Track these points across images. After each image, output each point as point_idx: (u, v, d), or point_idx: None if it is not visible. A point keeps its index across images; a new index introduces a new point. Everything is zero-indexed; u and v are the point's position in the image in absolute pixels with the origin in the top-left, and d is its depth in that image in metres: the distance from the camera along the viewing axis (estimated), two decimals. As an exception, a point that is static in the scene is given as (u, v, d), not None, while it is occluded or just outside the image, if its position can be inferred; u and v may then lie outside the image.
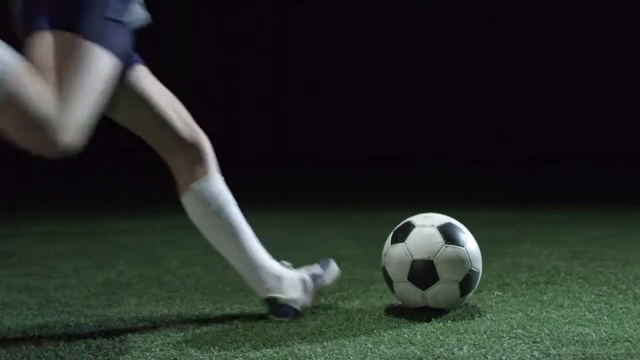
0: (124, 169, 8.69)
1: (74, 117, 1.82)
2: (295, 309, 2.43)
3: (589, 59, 8.64)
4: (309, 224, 5.05)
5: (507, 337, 2.11)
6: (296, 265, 2.64)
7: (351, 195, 6.92)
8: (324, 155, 10.56)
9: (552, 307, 2.46)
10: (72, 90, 1.84)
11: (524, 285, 2.84)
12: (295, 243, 4.25)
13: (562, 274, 3.02)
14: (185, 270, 3.40)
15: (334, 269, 2.61)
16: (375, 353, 2.02)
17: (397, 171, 9.60)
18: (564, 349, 1.98)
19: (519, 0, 9.16)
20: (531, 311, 2.40)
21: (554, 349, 1.99)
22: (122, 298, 2.84)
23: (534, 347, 2.01)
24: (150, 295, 2.87)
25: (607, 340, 2.04)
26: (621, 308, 2.41)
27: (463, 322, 2.30)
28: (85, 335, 2.29)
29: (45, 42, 1.90)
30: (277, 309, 2.42)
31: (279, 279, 2.46)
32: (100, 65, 1.90)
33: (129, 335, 2.28)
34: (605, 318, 2.28)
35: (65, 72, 1.84)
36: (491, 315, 2.38)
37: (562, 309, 2.42)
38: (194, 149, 2.35)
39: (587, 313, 2.36)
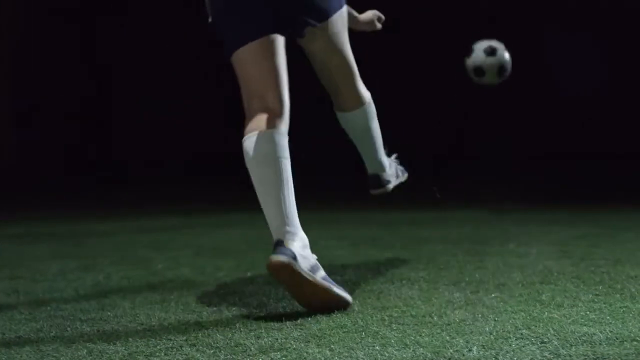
0: (99, 170, 8.58)
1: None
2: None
3: (584, 58, 8.78)
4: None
5: (514, 338, 2.12)
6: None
7: (329, 194, 6.91)
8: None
9: (552, 307, 2.48)
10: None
11: (520, 285, 2.86)
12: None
13: (555, 274, 3.04)
14: (174, 272, 3.37)
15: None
16: (385, 355, 2.01)
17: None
18: (573, 349, 2.00)
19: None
20: (532, 311, 2.42)
21: (562, 349, 2.00)
22: (115, 301, 2.79)
23: (542, 348, 2.02)
24: (143, 298, 2.83)
25: (614, 339, 2.06)
26: (621, 307, 2.44)
27: (467, 322, 2.31)
28: (85, 339, 2.26)
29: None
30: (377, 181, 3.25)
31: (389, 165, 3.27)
32: None
33: (130, 339, 2.24)
34: (608, 318, 2.30)
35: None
36: (493, 316, 2.38)
37: (563, 309, 2.44)
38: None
39: (588, 313, 2.38)
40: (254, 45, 2.42)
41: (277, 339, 2.20)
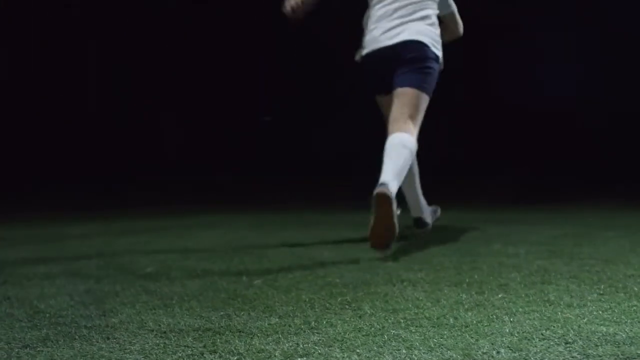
0: (64, 173, 8.39)
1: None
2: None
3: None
4: (272, 226, 4.98)
5: (537, 339, 2.12)
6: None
7: (307, 196, 6.88)
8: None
9: (562, 307, 2.49)
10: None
11: (522, 285, 2.87)
12: (266, 245, 4.17)
13: (552, 274, 3.07)
14: (166, 276, 3.29)
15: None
16: (414, 359, 1.98)
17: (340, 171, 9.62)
18: (600, 349, 2.00)
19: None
20: (545, 311, 2.43)
21: (589, 349, 2.01)
22: (115, 307, 2.71)
23: (569, 348, 2.02)
24: (143, 304, 2.76)
25: (637, 339, 2.08)
26: (630, 306, 2.47)
27: (483, 324, 2.30)
28: (98, 348, 2.18)
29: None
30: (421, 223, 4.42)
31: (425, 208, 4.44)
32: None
33: (146, 347, 2.17)
34: (623, 317, 2.32)
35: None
36: (507, 317, 2.38)
37: (574, 309, 2.46)
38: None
39: (601, 312, 2.39)
40: (388, 97, 4.00)
41: (297, 344, 2.16)
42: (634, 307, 2.44)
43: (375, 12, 3.79)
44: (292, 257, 3.74)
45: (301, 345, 2.14)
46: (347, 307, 2.62)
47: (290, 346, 2.14)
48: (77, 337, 2.32)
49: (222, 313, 2.58)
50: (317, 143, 10.00)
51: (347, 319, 2.44)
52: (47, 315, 2.61)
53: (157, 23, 10.45)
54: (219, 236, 4.58)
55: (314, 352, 2.08)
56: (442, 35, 3.87)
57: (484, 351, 2.02)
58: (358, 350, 2.07)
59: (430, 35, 3.75)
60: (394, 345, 2.11)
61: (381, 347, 2.10)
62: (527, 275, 3.04)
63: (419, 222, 4.44)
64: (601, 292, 2.70)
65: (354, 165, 9.06)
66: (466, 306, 2.54)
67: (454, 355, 2.00)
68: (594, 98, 9.04)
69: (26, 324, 2.50)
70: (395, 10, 3.74)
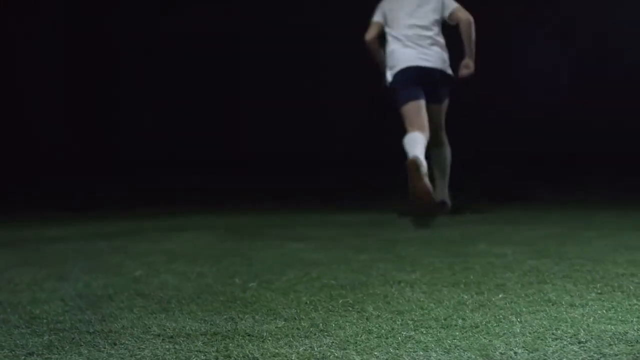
0: (45, 175, 8.25)
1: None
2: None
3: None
4: (251, 228, 4.95)
5: (550, 339, 2.15)
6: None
7: (284, 195, 6.87)
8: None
9: (565, 306, 2.53)
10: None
11: (519, 285, 2.90)
12: (250, 247, 4.14)
13: (545, 274, 3.11)
14: (158, 280, 3.25)
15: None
16: (432, 360, 1.99)
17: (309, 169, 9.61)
18: (614, 348, 2.04)
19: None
20: (549, 311, 2.47)
21: (604, 348, 2.05)
22: (113, 312, 2.67)
23: (584, 348, 2.06)
24: (141, 308, 2.72)
25: (647, 337, 2.11)
26: (630, 305, 2.52)
27: (492, 324, 2.33)
28: (107, 354, 2.14)
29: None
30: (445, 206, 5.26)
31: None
32: None
33: (158, 352, 2.15)
34: (628, 316, 2.37)
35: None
36: (514, 317, 2.41)
37: (577, 308, 2.50)
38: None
39: (604, 311, 2.44)
40: (413, 103, 4.99)
41: (311, 347, 2.15)
42: (635, 306, 2.49)
43: (401, 33, 4.97)
44: (280, 259, 3.72)
45: (316, 349, 2.14)
46: (350, 308, 2.62)
47: (305, 349, 2.14)
48: (82, 343, 2.28)
49: (225, 316, 2.55)
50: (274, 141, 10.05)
51: (354, 321, 2.44)
52: (45, 320, 2.56)
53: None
54: (199, 238, 4.54)
55: (330, 355, 2.07)
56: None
57: (501, 352, 2.04)
58: (375, 353, 2.08)
59: (447, 61, 5.12)
60: (409, 347, 2.12)
61: (397, 350, 2.10)
62: (521, 275, 3.08)
63: (444, 204, 5.31)
64: (599, 291, 2.75)
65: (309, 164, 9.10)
66: (470, 307, 2.56)
67: (472, 356, 2.02)
68: (572, 100, 9.22)
69: (25, 330, 2.45)
70: (419, 37, 4.99)
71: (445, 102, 5.20)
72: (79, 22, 10.15)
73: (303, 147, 9.72)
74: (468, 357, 2.02)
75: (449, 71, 5.12)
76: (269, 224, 5.13)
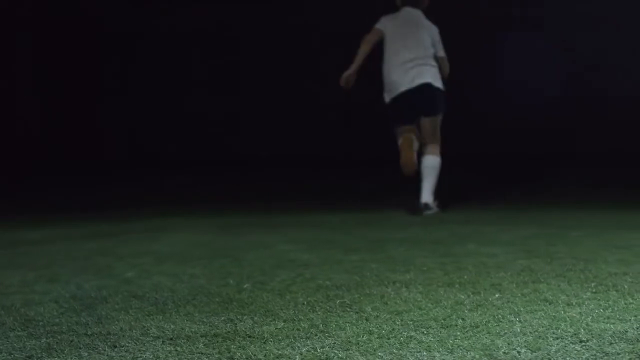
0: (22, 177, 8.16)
1: None
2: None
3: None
4: (238, 228, 4.93)
5: (551, 338, 2.17)
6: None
7: (267, 197, 6.85)
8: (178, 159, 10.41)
9: (562, 305, 2.56)
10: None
11: (514, 284, 2.92)
12: (239, 247, 4.13)
13: (538, 273, 3.13)
14: (151, 282, 3.23)
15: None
16: (437, 360, 2.00)
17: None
18: (615, 347, 2.07)
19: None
20: (548, 310, 2.49)
21: (605, 347, 2.07)
22: (109, 314, 2.66)
23: (585, 347, 2.08)
24: (137, 310, 2.70)
25: (647, 336, 2.13)
26: (626, 304, 2.55)
27: (492, 324, 2.34)
28: (108, 356, 2.12)
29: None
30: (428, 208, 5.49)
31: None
32: None
33: (160, 355, 2.15)
34: (626, 315, 2.40)
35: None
36: (512, 317, 2.43)
37: (574, 307, 2.52)
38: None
39: (601, 310, 2.46)
40: (407, 126, 5.49)
41: (314, 348, 2.15)
42: (632, 305, 2.52)
43: (405, 48, 5.41)
44: (271, 260, 3.71)
45: (318, 350, 2.14)
46: (348, 309, 2.62)
47: (308, 350, 2.13)
48: (81, 345, 2.26)
49: (223, 318, 2.54)
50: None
51: (354, 321, 2.44)
52: (41, 323, 2.54)
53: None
54: (187, 239, 4.52)
55: (333, 356, 2.07)
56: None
57: (504, 351, 2.06)
58: (379, 353, 2.08)
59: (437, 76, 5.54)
60: (412, 348, 2.12)
61: (400, 350, 2.11)
62: (515, 275, 3.10)
63: (426, 206, 5.53)
64: (594, 290, 2.77)
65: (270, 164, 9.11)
66: (468, 307, 2.58)
67: (476, 356, 2.03)
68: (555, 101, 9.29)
69: (21, 333, 2.42)
70: (422, 52, 5.45)
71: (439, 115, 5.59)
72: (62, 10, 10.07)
73: (293, 148, 9.73)
74: (472, 356, 2.03)
75: (441, 86, 5.54)
76: (257, 224, 5.12)
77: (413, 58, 5.37)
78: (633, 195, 6.24)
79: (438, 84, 5.43)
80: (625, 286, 2.81)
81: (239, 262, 3.69)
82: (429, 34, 5.49)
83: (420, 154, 5.46)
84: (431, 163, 5.49)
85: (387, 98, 5.49)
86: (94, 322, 2.54)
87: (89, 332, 2.40)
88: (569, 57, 9.35)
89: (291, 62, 10.19)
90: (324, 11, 9.92)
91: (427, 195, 5.48)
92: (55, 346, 2.25)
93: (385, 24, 5.48)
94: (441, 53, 5.53)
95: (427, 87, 5.36)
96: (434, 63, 5.47)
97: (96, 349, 2.22)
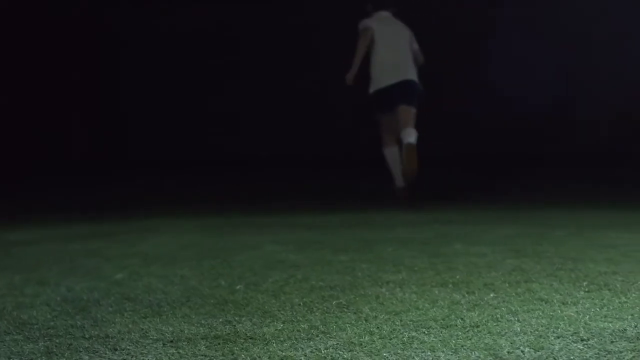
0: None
1: None
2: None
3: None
4: (222, 229, 4.90)
5: (552, 337, 2.19)
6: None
7: (248, 198, 6.82)
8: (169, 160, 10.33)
9: (557, 304, 2.59)
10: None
11: (507, 284, 2.95)
12: (226, 248, 4.11)
13: (529, 273, 3.16)
14: (142, 283, 3.21)
15: None
16: (442, 360, 2.01)
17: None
18: (617, 345, 2.10)
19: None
20: (545, 310, 2.52)
21: (607, 346, 2.10)
22: (104, 316, 2.63)
23: (587, 345, 2.11)
24: (132, 312, 2.69)
25: (646, 334, 2.16)
26: (620, 303, 2.59)
27: (492, 323, 2.36)
28: (111, 359, 2.09)
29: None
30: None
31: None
32: None
33: (162, 358, 2.13)
34: (622, 313, 2.43)
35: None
36: (510, 316, 2.45)
37: (569, 306, 2.56)
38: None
39: (597, 309, 2.50)
40: (387, 116, 6.04)
41: (317, 349, 2.15)
42: (626, 304, 2.55)
43: (388, 47, 5.95)
44: (261, 261, 3.70)
45: (322, 350, 2.14)
46: (345, 310, 2.63)
47: (311, 351, 2.13)
48: (81, 349, 2.23)
49: (221, 319, 2.53)
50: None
51: (353, 322, 2.45)
52: (36, 326, 2.51)
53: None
54: (173, 241, 4.48)
55: (338, 357, 2.08)
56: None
57: (508, 350, 2.07)
58: (383, 354, 2.08)
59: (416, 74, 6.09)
60: (415, 348, 2.13)
61: (404, 350, 2.12)
62: (506, 275, 3.12)
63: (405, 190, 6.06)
64: (586, 289, 2.80)
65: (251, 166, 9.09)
66: (465, 306, 2.59)
67: (480, 355, 2.04)
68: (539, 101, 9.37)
69: (17, 337, 2.39)
70: (403, 51, 6.01)
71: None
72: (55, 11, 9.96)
73: (290, 148, 9.75)
74: (476, 356, 2.04)
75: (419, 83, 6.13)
76: (245, 225, 5.10)
77: (398, 57, 5.99)
78: (610, 195, 6.32)
79: (417, 80, 6.05)
80: (617, 285, 2.85)
81: (229, 263, 3.68)
82: (407, 34, 6.10)
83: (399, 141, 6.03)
84: (411, 146, 5.81)
85: (372, 89, 6.04)
86: (90, 325, 2.51)
87: (87, 335, 2.37)
88: (559, 57, 9.46)
89: (291, 62, 10.20)
90: (324, 11, 9.95)
91: (401, 180, 6.08)
92: (54, 349, 2.22)
93: (373, 25, 5.99)
94: (416, 46, 6.16)
95: (409, 82, 6.00)
96: (413, 62, 6.11)
97: (97, 352, 2.20)
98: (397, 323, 2.41)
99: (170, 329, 2.43)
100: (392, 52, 5.90)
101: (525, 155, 8.82)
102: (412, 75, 5.94)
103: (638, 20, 9.25)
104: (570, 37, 9.46)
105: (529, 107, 9.30)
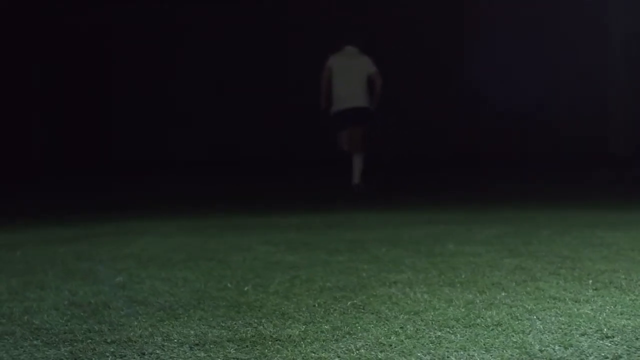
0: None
1: None
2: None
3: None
4: (209, 230, 4.88)
5: (577, 335, 2.25)
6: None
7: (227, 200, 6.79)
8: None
9: (570, 302, 2.66)
10: None
11: (514, 283, 3.00)
12: (218, 249, 4.09)
13: (531, 271, 3.23)
14: (144, 286, 3.19)
15: None
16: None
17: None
18: (642, 341, 2.13)
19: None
20: (560, 308, 2.60)
21: (633, 342, 2.15)
22: (118, 319, 2.62)
23: (614, 342, 2.18)
24: (146, 315, 2.67)
25: (667, 330, 2.22)
26: (632, 300, 2.67)
27: (513, 322, 2.42)
28: (143, 363, 2.08)
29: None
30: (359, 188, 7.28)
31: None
32: None
33: (195, 360, 2.10)
34: (636, 310, 2.50)
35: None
36: (528, 314, 2.51)
37: (583, 304, 2.63)
38: None
39: (611, 306, 2.57)
40: (344, 131, 7.53)
41: (349, 350, 2.18)
42: (637, 301, 2.64)
43: (343, 80, 7.37)
44: (257, 262, 3.70)
45: (354, 351, 2.16)
46: (362, 310, 2.65)
47: (344, 352, 2.16)
48: (107, 354, 2.21)
49: (240, 322, 2.54)
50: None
51: (374, 322, 2.47)
52: (52, 331, 2.48)
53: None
54: (159, 242, 4.45)
55: (372, 357, 2.09)
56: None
57: (539, 348, 2.12)
58: (417, 354, 2.11)
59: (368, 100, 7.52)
60: (447, 347, 2.17)
61: (437, 350, 2.15)
62: (510, 274, 3.18)
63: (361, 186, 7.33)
64: (593, 287, 2.87)
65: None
66: (481, 305, 2.64)
67: (513, 354, 2.09)
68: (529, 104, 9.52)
69: (35, 342, 2.37)
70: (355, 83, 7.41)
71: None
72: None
73: (256, 151, 9.75)
74: (510, 355, 2.08)
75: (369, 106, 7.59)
76: (227, 226, 5.08)
77: (351, 88, 7.45)
78: (593, 195, 6.43)
79: (367, 105, 7.50)
80: (622, 283, 2.93)
81: (226, 264, 3.67)
82: (362, 67, 7.47)
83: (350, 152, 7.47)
84: (359, 157, 7.37)
85: (333, 111, 7.57)
86: (108, 329, 2.49)
87: (109, 340, 2.35)
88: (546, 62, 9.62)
89: (278, 64, 10.24)
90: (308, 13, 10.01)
91: (357, 178, 7.39)
92: (80, 355, 2.20)
93: (332, 62, 7.50)
94: (373, 71, 7.47)
95: (360, 108, 7.51)
96: (364, 90, 7.50)
97: (124, 356, 2.18)
98: (419, 323, 2.44)
99: (192, 332, 2.42)
100: (346, 84, 7.41)
101: (506, 155, 8.94)
102: (362, 102, 7.46)
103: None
104: (555, 38, 9.64)
105: (510, 107, 9.44)
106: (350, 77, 7.38)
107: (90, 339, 2.38)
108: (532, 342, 2.18)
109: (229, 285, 3.17)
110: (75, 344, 2.32)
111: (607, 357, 2.04)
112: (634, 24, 9.25)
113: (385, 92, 7.31)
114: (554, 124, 9.52)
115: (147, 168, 8.97)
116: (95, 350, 2.24)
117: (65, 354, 2.22)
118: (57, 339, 2.38)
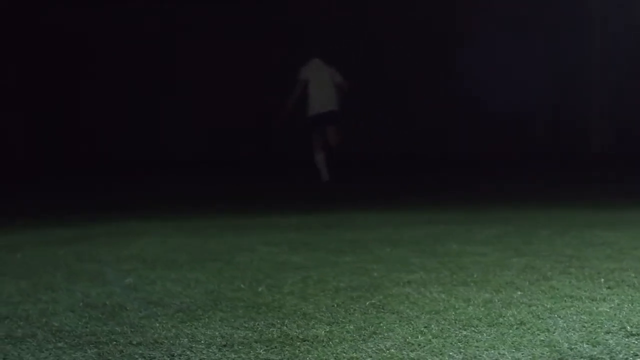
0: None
1: None
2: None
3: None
4: (208, 230, 4.87)
5: (602, 333, 2.29)
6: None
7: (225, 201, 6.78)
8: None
9: (587, 301, 2.71)
10: None
11: (528, 282, 3.04)
12: (221, 250, 4.08)
13: (541, 270, 3.27)
14: (156, 287, 3.19)
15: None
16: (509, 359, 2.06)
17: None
18: (667, 339, 2.17)
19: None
20: (579, 307, 2.63)
21: (659, 340, 2.16)
22: (138, 322, 2.61)
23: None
24: (165, 316, 2.68)
25: (691, 328, 2.26)
26: (647, 299, 2.66)
27: (536, 321, 2.45)
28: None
29: None
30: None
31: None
32: None
33: (227, 361, 2.10)
34: (656, 309, 2.51)
35: None
36: (549, 313, 2.55)
37: (600, 302, 2.67)
38: None
39: (629, 305, 2.63)
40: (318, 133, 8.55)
41: (379, 349, 2.21)
42: (654, 299, 2.66)
43: (318, 88, 8.36)
44: (263, 263, 3.71)
45: (385, 351, 2.18)
46: (382, 310, 2.67)
47: (374, 352, 2.17)
48: (136, 355, 2.22)
49: (263, 322, 2.55)
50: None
51: (398, 322, 2.50)
52: (73, 333, 2.47)
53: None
54: (159, 243, 4.44)
55: (404, 357, 2.11)
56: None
57: (568, 347, 2.15)
58: (450, 353, 2.14)
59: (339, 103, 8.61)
60: (477, 346, 2.19)
61: (467, 349, 2.18)
62: (521, 273, 3.22)
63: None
64: (607, 285, 2.92)
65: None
66: (499, 305, 2.68)
67: (544, 352, 2.12)
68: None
69: (60, 344, 2.36)
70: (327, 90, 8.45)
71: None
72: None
73: (254, 150, 9.77)
74: (540, 353, 2.11)
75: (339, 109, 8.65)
76: (226, 226, 5.08)
77: (324, 94, 8.47)
78: (590, 195, 6.49)
79: (338, 108, 8.51)
80: (634, 281, 2.98)
81: (234, 265, 3.67)
82: (331, 75, 8.51)
83: (326, 147, 8.36)
84: (327, 153, 8.39)
85: (309, 114, 8.56)
86: (130, 330, 2.49)
87: (134, 342, 2.35)
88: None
89: (277, 66, 10.28)
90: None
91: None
92: (109, 357, 2.20)
93: (305, 74, 8.45)
94: (338, 79, 8.52)
95: (332, 112, 8.54)
96: (335, 95, 8.53)
97: (154, 358, 2.18)
98: (441, 322, 2.47)
99: (216, 333, 2.43)
100: (320, 90, 8.47)
101: (504, 156, 9.01)
102: (334, 106, 8.54)
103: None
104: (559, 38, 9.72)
105: (511, 108, 9.51)
106: (323, 85, 8.56)
107: (115, 340, 2.38)
108: (560, 341, 2.21)
109: (242, 286, 3.17)
110: (100, 346, 2.32)
111: (637, 355, 2.08)
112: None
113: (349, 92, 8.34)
114: (554, 124, 9.61)
115: (147, 168, 8.92)
116: (123, 352, 2.24)
117: (93, 356, 2.21)
118: (81, 341, 2.37)
